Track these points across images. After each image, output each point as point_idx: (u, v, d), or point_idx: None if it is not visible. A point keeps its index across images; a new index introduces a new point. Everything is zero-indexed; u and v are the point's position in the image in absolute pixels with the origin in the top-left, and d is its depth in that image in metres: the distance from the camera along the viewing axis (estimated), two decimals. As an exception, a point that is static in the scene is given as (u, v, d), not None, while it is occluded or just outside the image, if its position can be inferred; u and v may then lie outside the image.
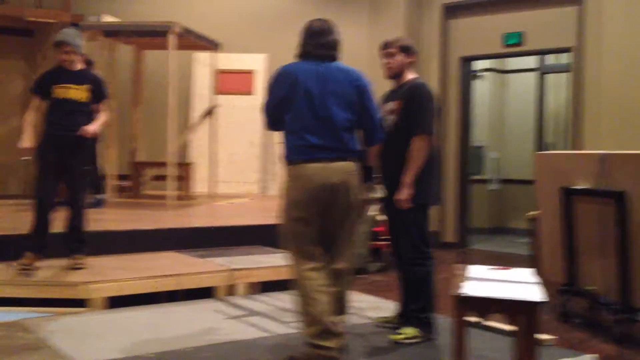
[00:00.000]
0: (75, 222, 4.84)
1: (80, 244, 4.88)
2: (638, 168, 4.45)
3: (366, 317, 4.52)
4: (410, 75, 4.12)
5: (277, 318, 4.42)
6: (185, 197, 8.65)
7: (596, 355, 4.03)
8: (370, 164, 3.72)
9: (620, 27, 7.41)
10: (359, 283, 6.07)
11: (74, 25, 8.13)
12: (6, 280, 4.46)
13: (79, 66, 4.89)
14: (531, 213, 6.52)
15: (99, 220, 6.49)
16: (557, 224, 5.15)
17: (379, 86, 4.00)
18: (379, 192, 3.87)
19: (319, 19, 3.64)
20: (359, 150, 3.58)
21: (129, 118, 9.17)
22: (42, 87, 4.80)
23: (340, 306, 3.55)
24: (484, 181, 10.56)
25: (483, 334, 4.13)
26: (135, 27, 8.14)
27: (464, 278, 3.32)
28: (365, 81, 3.59)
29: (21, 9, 8.08)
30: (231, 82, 9.87)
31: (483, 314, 3.10)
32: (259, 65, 9.91)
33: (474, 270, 3.56)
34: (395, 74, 4.11)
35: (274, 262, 5.35)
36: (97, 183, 7.32)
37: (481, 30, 8.76)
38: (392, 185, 3.93)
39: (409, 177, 3.91)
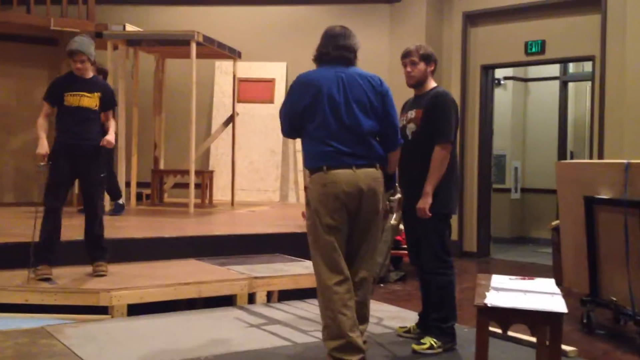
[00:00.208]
0: (95, 229, 4.87)
1: (102, 251, 4.91)
2: (663, 178, 4.40)
3: (387, 326, 4.50)
4: (431, 84, 4.11)
5: (297, 327, 4.41)
6: (206, 205, 8.69)
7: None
8: (392, 171, 3.69)
9: (644, 35, 7.34)
10: (379, 292, 6.06)
11: (97, 34, 8.25)
12: (29, 287, 4.50)
13: (91, 74, 4.91)
14: (553, 222, 6.47)
15: (121, 227, 6.55)
16: (579, 233, 5.10)
17: (399, 94, 4.00)
18: (400, 200, 3.84)
19: (340, 25, 3.65)
20: (384, 157, 3.57)
21: (151, 126, 9.25)
22: (54, 94, 4.79)
23: (362, 315, 3.53)
24: (505, 190, 10.49)
25: (505, 344, 4.09)
26: (158, 36, 8.23)
27: (486, 288, 3.30)
28: (387, 87, 3.59)
29: (47, 18, 8.19)
30: (252, 91, 9.92)
31: (505, 325, 3.07)
32: (280, 74, 9.95)
33: (496, 280, 3.54)
34: (417, 83, 4.09)
35: (294, 270, 5.35)
36: (113, 190, 7.34)
37: (502, 39, 8.72)
38: (413, 194, 3.92)
39: (430, 186, 3.89)
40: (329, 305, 3.37)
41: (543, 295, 3.22)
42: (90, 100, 4.80)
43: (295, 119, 3.53)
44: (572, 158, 9.98)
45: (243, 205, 9.01)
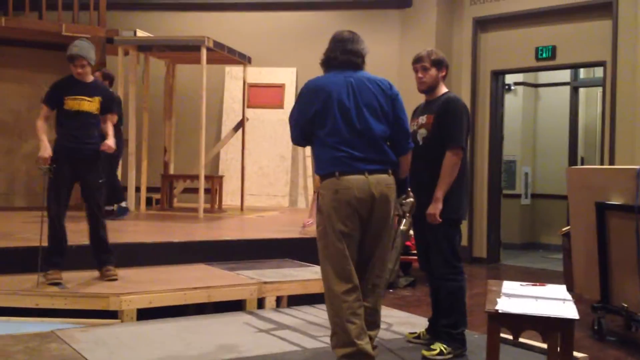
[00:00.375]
0: (100, 233, 4.87)
1: (108, 254, 4.91)
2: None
3: (396, 332, 4.48)
4: (443, 89, 4.10)
5: (306, 332, 4.40)
6: (216, 209, 8.71)
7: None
8: (404, 176, 3.65)
9: (655, 40, 7.31)
10: (388, 298, 6.05)
11: (108, 40, 8.30)
12: (40, 291, 4.51)
13: (91, 78, 4.91)
14: (564, 228, 6.44)
15: (131, 232, 6.57)
16: (590, 239, 5.07)
17: (410, 99, 3.99)
18: (412, 205, 3.82)
19: (348, 30, 3.64)
20: (396, 162, 3.54)
21: (161, 131, 9.29)
22: (54, 97, 4.78)
23: (373, 321, 3.52)
24: (515, 196, 10.45)
25: (516, 350, 4.06)
26: (168, 41, 8.27)
27: (497, 294, 3.28)
28: (396, 90, 3.56)
29: (58, 24, 8.25)
30: (262, 96, 9.94)
31: (517, 331, 3.05)
32: (289, 79, 9.96)
33: (507, 286, 3.52)
34: (428, 88, 4.08)
35: (303, 275, 5.35)
36: (116, 193, 7.32)
37: (513, 44, 8.70)
38: (423, 200, 3.90)
39: (440, 191, 3.88)
40: (338, 313, 3.35)
41: (554, 301, 3.20)
42: (91, 105, 4.81)
43: (306, 126, 3.49)
44: (582, 164, 9.94)
45: (252, 210, 9.02)
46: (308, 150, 9.66)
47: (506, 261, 9.05)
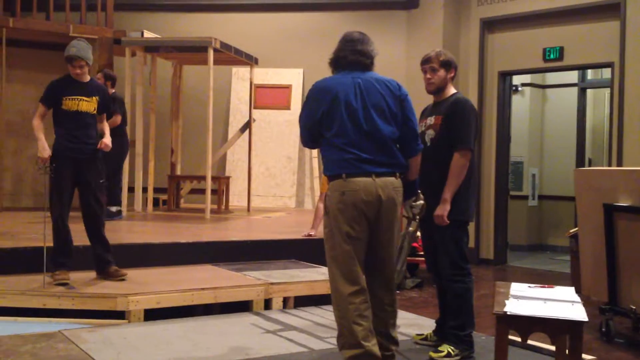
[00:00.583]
0: (102, 232, 4.88)
1: (111, 253, 4.92)
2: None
3: (403, 333, 4.47)
4: (451, 90, 4.08)
5: (313, 333, 4.39)
6: (222, 210, 8.71)
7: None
8: (413, 178, 3.63)
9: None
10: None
11: (116, 41, 8.32)
12: (47, 292, 4.52)
13: (88, 77, 4.92)
14: (571, 230, 6.42)
15: (138, 233, 6.57)
16: (598, 241, 5.05)
17: (417, 100, 3.98)
18: (423, 207, 3.80)
19: (358, 31, 3.62)
20: (405, 164, 3.52)
21: (168, 132, 9.30)
22: (52, 97, 4.80)
23: (393, 323, 3.53)
24: (522, 197, 10.42)
25: (524, 352, 4.05)
26: (176, 42, 8.28)
27: (505, 296, 3.27)
28: (405, 91, 3.54)
29: (66, 25, 8.28)
30: (268, 97, 9.95)
31: (525, 333, 3.04)
32: (296, 80, 9.96)
33: (515, 288, 3.51)
34: (437, 89, 4.07)
35: (310, 276, 5.35)
36: (112, 195, 7.29)
37: (520, 45, 8.68)
38: (430, 201, 3.89)
39: (448, 193, 3.87)
40: (344, 314, 3.35)
41: (563, 303, 3.19)
42: (89, 105, 4.82)
43: (314, 127, 3.48)
44: (590, 165, 9.91)
45: (259, 211, 9.02)
46: (315, 151, 9.67)
47: (513, 263, 9.03)
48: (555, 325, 2.95)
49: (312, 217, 6.54)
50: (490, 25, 8.96)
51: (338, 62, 3.54)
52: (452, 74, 4.07)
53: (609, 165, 7.86)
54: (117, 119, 7.18)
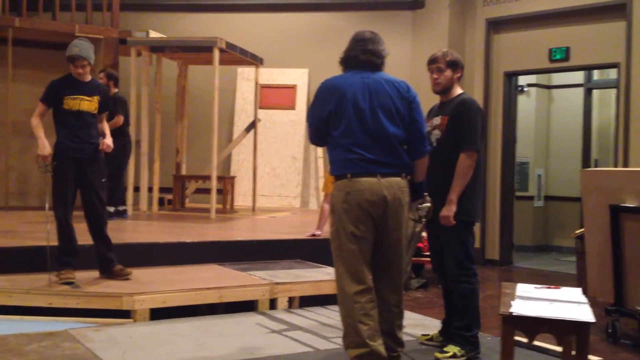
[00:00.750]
0: (105, 231, 4.88)
1: (114, 253, 4.92)
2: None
3: (409, 334, 4.46)
4: (457, 90, 4.07)
5: (318, 333, 4.39)
6: (228, 210, 8.72)
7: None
8: (420, 180, 3.61)
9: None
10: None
11: (121, 41, 8.33)
12: (53, 291, 4.53)
13: (89, 77, 4.92)
14: (577, 231, 6.40)
15: (143, 232, 6.58)
16: (604, 242, 5.03)
17: (422, 100, 3.97)
18: (429, 209, 3.78)
19: (369, 30, 3.60)
20: (411, 165, 3.51)
21: (173, 132, 9.31)
22: (54, 96, 4.79)
23: (399, 324, 3.53)
24: (528, 198, 10.39)
25: (530, 353, 4.04)
26: (181, 42, 8.28)
27: (511, 297, 3.26)
28: (414, 93, 3.52)
29: (72, 25, 8.30)
30: (273, 97, 9.94)
31: (531, 334, 3.02)
32: (301, 80, 9.96)
33: (521, 289, 3.50)
34: (443, 89, 4.06)
35: (315, 276, 5.34)
36: (112, 196, 7.27)
37: (526, 45, 8.65)
38: (436, 202, 3.88)
39: (454, 193, 3.86)
40: (350, 314, 3.34)
41: (569, 304, 3.18)
42: (90, 104, 4.82)
43: (321, 126, 3.48)
44: (596, 166, 9.87)
45: (264, 211, 9.03)
46: (320, 151, 9.67)
47: (519, 263, 9.00)
48: (561, 326, 2.94)
49: (317, 217, 6.53)
50: (495, 25, 8.94)
51: (348, 61, 3.53)
52: (459, 74, 4.06)
53: (615, 165, 7.83)
54: (119, 119, 7.18)
